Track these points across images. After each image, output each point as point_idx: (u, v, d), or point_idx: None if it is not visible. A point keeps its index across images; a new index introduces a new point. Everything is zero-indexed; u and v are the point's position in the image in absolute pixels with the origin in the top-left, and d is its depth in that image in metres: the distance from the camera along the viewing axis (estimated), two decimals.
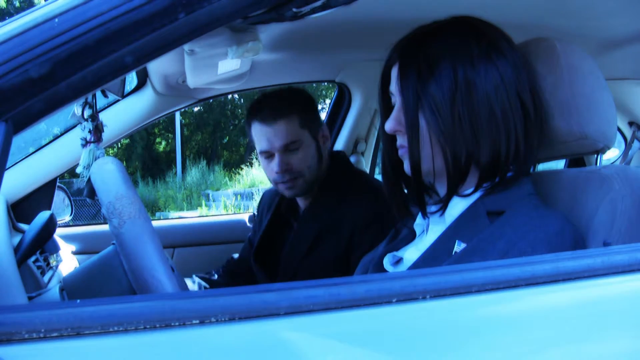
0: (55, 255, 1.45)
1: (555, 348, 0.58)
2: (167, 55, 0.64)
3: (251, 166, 12.86)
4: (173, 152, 16.33)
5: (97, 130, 1.38)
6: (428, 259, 0.84)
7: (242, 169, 13.07)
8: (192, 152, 17.11)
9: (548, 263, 0.61)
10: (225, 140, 18.65)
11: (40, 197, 1.68)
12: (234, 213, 6.98)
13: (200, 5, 0.61)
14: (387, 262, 0.96)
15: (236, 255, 1.78)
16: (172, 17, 0.60)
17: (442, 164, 0.85)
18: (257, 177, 12.25)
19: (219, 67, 1.32)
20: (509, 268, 0.60)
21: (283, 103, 1.44)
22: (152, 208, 12.51)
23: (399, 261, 0.94)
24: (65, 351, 0.49)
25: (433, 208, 0.89)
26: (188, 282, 1.50)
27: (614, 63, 1.67)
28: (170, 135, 17.35)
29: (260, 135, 1.44)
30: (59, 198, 1.77)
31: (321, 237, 1.44)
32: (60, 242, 1.55)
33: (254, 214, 2.04)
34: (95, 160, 1.33)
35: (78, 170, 1.39)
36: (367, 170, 2.10)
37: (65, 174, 1.94)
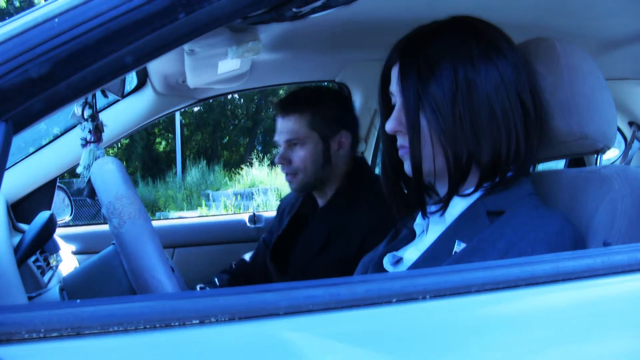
0: (55, 255, 1.45)
1: (555, 348, 0.58)
2: (167, 55, 0.64)
3: (251, 166, 12.86)
4: (173, 152, 16.30)
5: (97, 130, 1.38)
6: (428, 259, 0.84)
7: (242, 169, 13.05)
8: (192, 152, 17.08)
9: (548, 263, 0.61)
10: (225, 140, 18.63)
11: (40, 197, 1.69)
12: (234, 213, 6.97)
13: (200, 5, 0.61)
14: (387, 262, 0.96)
15: (247, 257, 1.77)
16: (172, 17, 0.60)
17: (443, 163, 0.85)
18: (257, 177, 12.25)
19: (219, 67, 1.32)
20: (508, 268, 0.60)
21: (300, 100, 1.47)
22: (152, 208, 12.48)
23: (398, 261, 0.94)
24: (65, 351, 0.49)
25: (433, 208, 0.89)
26: None
27: (614, 63, 1.66)
28: (170, 135, 17.33)
29: (276, 124, 1.51)
30: (59, 198, 1.77)
31: (331, 238, 1.44)
32: (60, 242, 1.54)
33: (254, 214, 2.04)
34: (96, 160, 1.33)
35: (78, 170, 1.40)
36: None
37: (65, 174, 1.94)
